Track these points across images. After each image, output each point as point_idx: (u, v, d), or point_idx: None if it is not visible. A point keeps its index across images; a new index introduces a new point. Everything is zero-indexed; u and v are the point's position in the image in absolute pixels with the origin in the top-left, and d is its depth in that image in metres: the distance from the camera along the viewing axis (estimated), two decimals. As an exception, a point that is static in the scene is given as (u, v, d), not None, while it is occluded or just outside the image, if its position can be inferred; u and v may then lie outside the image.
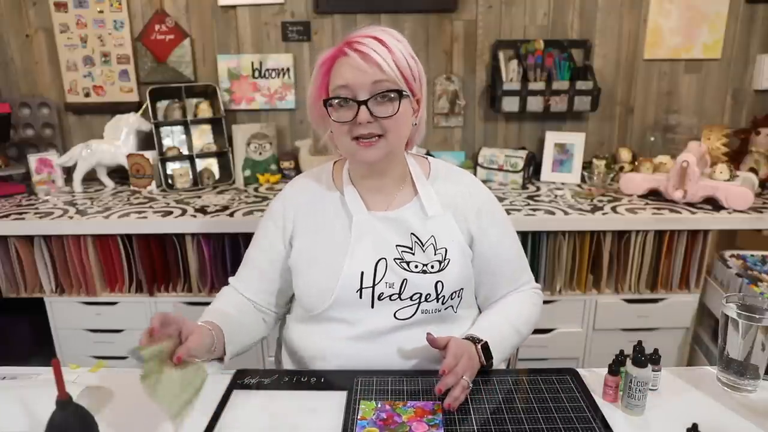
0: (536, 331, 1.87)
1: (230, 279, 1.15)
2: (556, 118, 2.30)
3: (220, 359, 0.98)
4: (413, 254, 1.02)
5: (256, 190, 2.16)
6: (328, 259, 1.03)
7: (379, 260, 1.01)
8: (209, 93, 2.29)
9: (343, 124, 0.95)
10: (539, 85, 2.13)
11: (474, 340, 0.98)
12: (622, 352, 0.93)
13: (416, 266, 1.01)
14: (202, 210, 1.87)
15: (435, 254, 1.02)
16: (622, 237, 1.82)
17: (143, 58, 2.27)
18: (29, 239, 1.84)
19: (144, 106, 2.20)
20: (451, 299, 1.03)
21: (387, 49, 0.93)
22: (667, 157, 2.07)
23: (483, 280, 1.09)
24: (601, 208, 1.85)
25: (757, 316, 0.90)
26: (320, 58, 0.98)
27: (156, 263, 1.86)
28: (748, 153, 2.14)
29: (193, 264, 1.84)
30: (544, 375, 0.99)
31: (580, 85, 2.12)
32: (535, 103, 2.15)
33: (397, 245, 1.02)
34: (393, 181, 1.06)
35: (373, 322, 1.01)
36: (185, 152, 2.25)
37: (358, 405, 0.90)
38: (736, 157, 2.15)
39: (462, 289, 1.04)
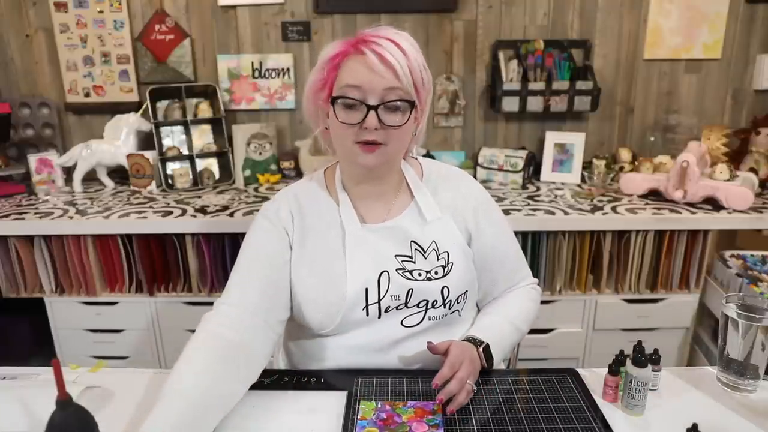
0: (536, 331, 1.88)
1: (218, 302, 0.94)
2: (556, 118, 2.31)
3: None
4: (414, 262, 1.00)
5: (256, 190, 2.16)
6: (328, 277, 0.98)
7: (382, 273, 0.98)
8: (209, 93, 2.29)
9: (349, 126, 0.91)
10: (539, 85, 2.13)
11: (475, 341, 0.98)
12: (622, 352, 0.93)
13: (420, 274, 0.99)
14: (202, 210, 1.87)
15: (438, 260, 1.00)
16: (622, 237, 1.82)
17: (143, 58, 2.27)
18: (29, 239, 1.84)
19: (144, 106, 2.20)
20: (457, 303, 1.02)
21: (404, 54, 0.89)
22: (667, 157, 2.07)
23: (481, 277, 1.08)
24: (601, 208, 1.85)
25: (757, 316, 0.90)
26: (329, 51, 0.93)
27: (156, 263, 1.86)
28: (748, 153, 2.14)
29: (193, 264, 1.84)
30: (544, 375, 0.99)
31: (580, 85, 2.12)
32: (535, 103, 2.15)
33: (396, 255, 1.00)
34: (389, 188, 1.04)
35: (380, 333, 1.00)
36: (185, 152, 2.25)
37: (358, 405, 0.90)
38: (736, 157, 2.15)
39: (467, 291, 1.03)
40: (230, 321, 0.91)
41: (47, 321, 1.91)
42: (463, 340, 0.98)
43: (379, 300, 0.98)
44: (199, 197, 2.05)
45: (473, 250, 1.05)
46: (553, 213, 1.80)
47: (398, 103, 0.90)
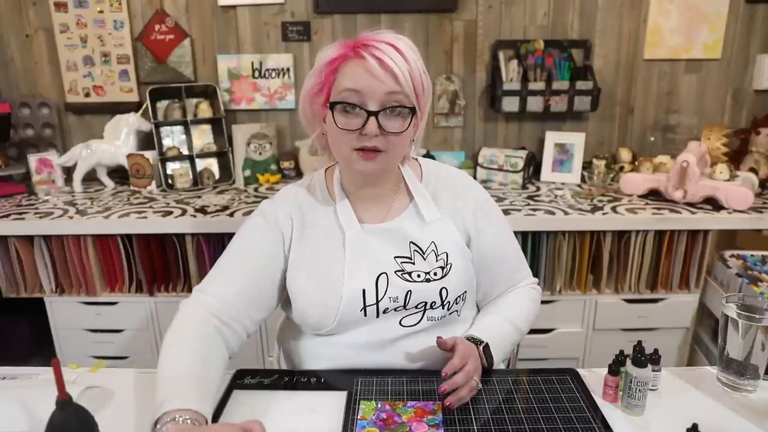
0: (536, 331, 1.88)
1: (196, 289, 0.96)
2: (556, 118, 2.31)
3: None
4: (413, 264, 0.99)
5: (256, 190, 2.16)
6: (326, 278, 0.98)
7: (380, 275, 0.97)
8: (209, 93, 2.29)
9: (348, 132, 0.89)
10: (539, 85, 2.13)
11: (475, 341, 0.98)
12: (622, 352, 0.93)
13: (418, 275, 0.99)
14: (202, 210, 1.87)
15: (437, 261, 1.00)
16: (622, 237, 1.82)
17: (143, 58, 2.27)
18: (29, 239, 1.84)
19: (144, 106, 2.21)
20: (456, 304, 1.02)
21: (404, 59, 0.88)
22: (667, 157, 2.07)
23: (481, 277, 1.08)
24: (601, 208, 1.85)
25: (757, 316, 0.90)
26: (327, 55, 0.91)
27: (156, 263, 1.86)
28: (748, 153, 2.14)
29: (193, 264, 1.84)
30: (544, 375, 0.99)
31: (580, 85, 2.12)
32: (535, 103, 2.15)
33: (395, 257, 0.99)
34: (388, 190, 1.03)
35: (378, 332, 1.00)
36: (185, 152, 2.25)
37: (358, 405, 0.90)
38: (736, 157, 2.15)
39: (465, 292, 1.03)
40: (203, 313, 0.92)
41: (47, 321, 1.91)
42: (464, 339, 0.98)
43: (378, 302, 0.98)
44: (199, 197, 2.05)
45: (473, 250, 1.05)
46: (553, 213, 1.80)
47: (399, 108, 0.89)
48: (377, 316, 0.99)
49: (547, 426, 0.85)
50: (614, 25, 2.22)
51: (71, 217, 1.81)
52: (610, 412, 0.89)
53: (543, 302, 1.16)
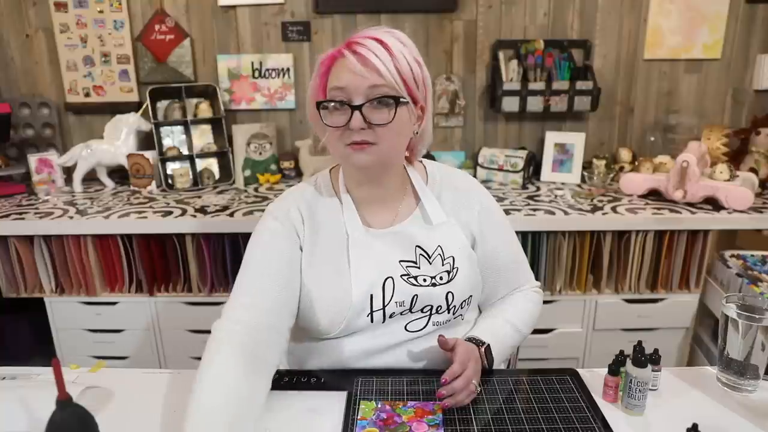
0: (536, 331, 1.88)
1: (225, 312, 0.90)
2: (556, 118, 2.31)
3: None
4: (419, 268, 0.99)
5: (256, 190, 2.16)
6: (334, 282, 0.97)
7: (386, 279, 0.97)
8: (209, 93, 2.29)
9: (337, 129, 0.90)
10: (539, 85, 2.13)
11: (476, 342, 0.98)
12: (622, 352, 0.93)
13: (424, 280, 0.98)
14: (202, 210, 1.87)
15: (443, 265, 0.99)
16: (622, 237, 1.82)
17: (143, 58, 2.27)
18: (29, 239, 1.84)
19: (144, 106, 2.21)
20: (461, 308, 1.01)
21: (388, 52, 0.88)
22: (667, 157, 2.07)
23: (484, 281, 1.08)
24: (601, 208, 1.85)
25: (757, 316, 0.90)
26: (320, 58, 0.94)
27: (156, 263, 1.86)
28: (748, 153, 2.14)
29: (193, 264, 1.84)
30: (544, 375, 0.99)
31: (580, 85, 2.12)
32: (535, 103, 2.15)
33: (400, 261, 0.99)
34: (393, 192, 1.02)
35: (383, 337, 0.99)
36: (185, 152, 2.25)
37: (358, 405, 0.90)
38: (736, 157, 2.15)
39: (471, 296, 1.03)
40: (243, 326, 0.88)
41: (47, 321, 1.91)
42: (465, 340, 0.98)
43: (384, 306, 0.97)
44: (199, 197, 2.05)
45: (477, 254, 1.05)
46: (553, 213, 1.80)
47: (383, 99, 0.88)
48: (383, 322, 0.98)
49: (547, 426, 0.85)
50: (614, 25, 2.22)
51: (71, 217, 1.81)
52: (610, 412, 0.89)
53: (543, 302, 1.16)
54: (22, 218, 1.81)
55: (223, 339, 0.87)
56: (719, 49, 2.22)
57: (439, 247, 1.00)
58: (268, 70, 2.28)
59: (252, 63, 2.27)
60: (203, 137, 2.30)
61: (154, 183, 2.15)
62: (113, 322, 1.90)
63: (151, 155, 2.15)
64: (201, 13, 2.23)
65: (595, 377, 0.98)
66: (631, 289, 1.85)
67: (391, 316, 0.98)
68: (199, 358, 0.85)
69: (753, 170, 2.07)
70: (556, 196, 2.02)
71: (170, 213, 1.84)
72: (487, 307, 1.12)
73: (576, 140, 2.21)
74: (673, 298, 1.87)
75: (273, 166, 2.27)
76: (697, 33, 2.21)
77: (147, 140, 2.23)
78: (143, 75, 2.29)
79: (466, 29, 2.24)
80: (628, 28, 2.22)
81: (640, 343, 0.89)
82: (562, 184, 2.20)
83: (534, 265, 1.83)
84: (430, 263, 0.99)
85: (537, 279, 1.17)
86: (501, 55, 2.20)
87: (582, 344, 1.93)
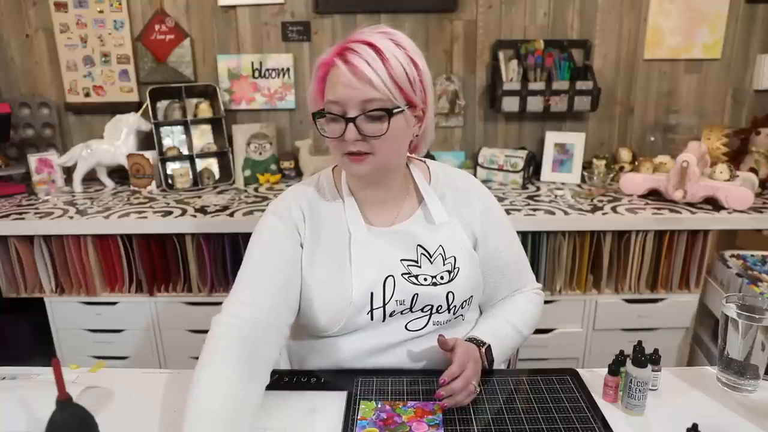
0: (536, 331, 1.86)
1: (225, 307, 0.91)
2: (556, 118, 2.31)
3: None
4: (420, 267, 0.99)
5: (256, 190, 2.16)
6: (335, 279, 0.97)
7: (387, 278, 0.97)
8: (209, 93, 2.29)
9: (334, 139, 0.90)
10: (539, 85, 2.13)
11: (477, 342, 0.98)
12: (622, 352, 0.93)
13: (425, 279, 0.98)
14: (202, 210, 1.87)
15: (444, 264, 0.99)
16: (622, 237, 1.82)
17: (143, 58, 2.27)
18: (29, 239, 1.84)
19: (144, 106, 2.21)
20: (462, 308, 1.01)
21: (381, 58, 0.86)
22: (667, 157, 2.07)
23: (485, 282, 1.08)
24: (601, 208, 1.85)
25: (757, 316, 0.90)
26: (318, 60, 0.92)
27: (156, 263, 1.86)
28: (748, 153, 2.14)
29: (193, 264, 1.84)
30: (544, 375, 0.99)
31: (580, 85, 2.12)
32: (535, 103, 2.15)
33: (402, 260, 0.99)
34: (395, 193, 1.02)
35: (383, 336, 0.99)
36: (185, 152, 2.25)
37: (358, 405, 0.90)
38: (736, 157, 2.15)
39: (472, 296, 1.03)
40: (242, 321, 0.88)
41: (47, 321, 1.91)
42: (465, 340, 0.98)
43: (384, 304, 0.97)
44: (199, 197, 2.05)
45: (479, 254, 1.05)
46: (553, 213, 1.80)
47: (376, 113, 0.87)
48: (383, 320, 0.98)
49: (547, 426, 0.85)
50: (614, 25, 2.22)
51: (71, 217, 1.81)
52: (610, 412, 0.89)
53: (543, 302, 1.16)
54: (22, 218, 1.81)
55: (222, 335, 0.86)
56: (719, 49, 2.22)
57: (440, 247, 1.00)
58: (268, 70, 2.28)
59: (252, 63, 2.27)
60: (203, 137, 2.30)
61: (154, 183, 2.15)
62: (113, 322, 1.90)
63: (151, 155, 2.15)
64: (201, 13, 2.23)
65: (595, 377, 0.98)
66: (631, 289, 1.85)
67: (391, 315, 0.98)
68: (198, 358, 0.84)
69: (753, 170, 2.07)
70: (556, 196, 2.02)
71: (170, 213, 1.84)
72: (488, 307, 1.12)
73: (576, 140, 2.21)
74: (673, 298, 1.87)
75: (273, 166, 2.27)
76: (697, 33, 2.21)
77: (147, 140, 2.23)
78: (143, 75, 2.29)
79: (466, 29, 2.24)
80: (628, 27, 2.22)
81: (640, 343, 0.89)
82: (562, 184, 2.20)
83: (534, 265, 1.82)
84: (431, 263, 0.99)
85: (537, 279, 1.17)
86: (501, 55, 2.20)
87: (582, 344, 1.93)
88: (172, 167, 2.21)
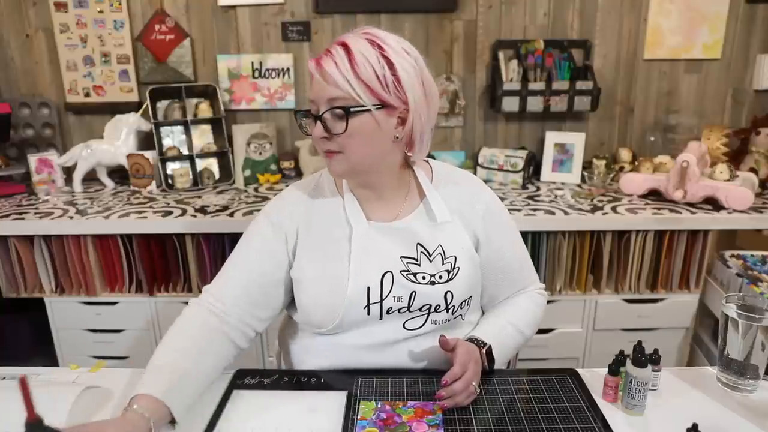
0: (536, 331, 1.88)
1: (205, 288, 1.01)
2: (556, 118, 2.31)
3: (171, 421, 0.84)
4: (419, 265, 0.99)
5: (256, 190, 2.16)
6: (331, 274, 0.98)
7: (385, 273, 0.97)
8: (209, 93, 2.29)
9: (314, 138, 0.94)
10: (539, 85, 2.13)
11: (478, 343, 0.98)
12: (622, 352, 0.93)
13: (423, 277, 0.98)
14: (202, 210, 1.87)
15: (443, 264, 0.99)
16: (622, 237, 1.82)
17: (143, 58, 2.27)
18: (29, 239, 1.84)
19: (144, 106, 2.21)
20: (461, 308, 1.01)
21: (350, 59, 0.87)
22: (667, 157, 2.07)
23: (488, 282, 1.08)
24: (601, 208, 1.85)
25: (757, 316, 0.90)
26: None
27: (156, 263, 1.86)
28: (748, 153, 2.14)
29: (193, 264, 1.84)
30: (544, 375, 0.99)
31: (580, 85, 2.12)
32: (535, 103, 2.15)
33: (401, 257, 0.99)
34: (390, 192, 1.02)
35: (381, 334, 0.99)
36: (185, 152, 2.25)
37: (358, 405, 0.90)
38: (736, 157, 2.15)
39: (471, 297, 1.03)
40: (207, 308, 0.97)
41: (47, 321, 1.91)
42: (466, 340, 0.98)
43: (381, 300, 0.97)
44: (199, 197, 2.05)
45: (481, 254, 1.04)
46: (553, 213, 1.80)
47: (336, 111, 0.89)
48: (381, 318, 0.98)
49: (547, 426, 0.85)
50: (614, 25, 2.22)
51: (71, 217, 1.81)
52: (610, 412, 0.89)
53: (546, 303, 1.16)
54: (22, 218, 1.81)
55: (187, 314, 0.97)
56: (719, 49, 2.22)
57: (440, 246, 1.00)
58: (268, 70, 2.28)
59: (252, 63, 2.27)
60: (203, 137, 2.30)
61: (154, 183, 2.15)
62: (113, 322, 1.90)
63: (151, 155, 2.15)
64: (201, 13, 2.23)
65: (595, 377, 0.98)
66: (631, 289, 1.85)
67: (388, 312, 0.98)
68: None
69: (753, 170, 2.07)
70: (556, 196, 2.02)
71: (170, 213, 1.84)
72: (491, 308, 1.12)
73: (576, 140, 2.21)
74: (673, 298, 1.87)
75: (273, 166, 2.27)
76: (697, 33, 2.21)
77: (147, 140, 2.23)
78: (143, 75, 2.29)
79: (466, 29, 2.24)
80: (628, 27, 2.22)
81: (640, 343, 0.89)
82: (562, 184, 2.20)
83: (534, 265, 1.82)
84: (431, 261, 0.99)
85: (544, 285, 1.17)
86: (501, 55, 2.20)
87: (582, 344, 1.93)
88: (172, 167, 2.21)
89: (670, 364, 1.91)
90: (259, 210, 1.83)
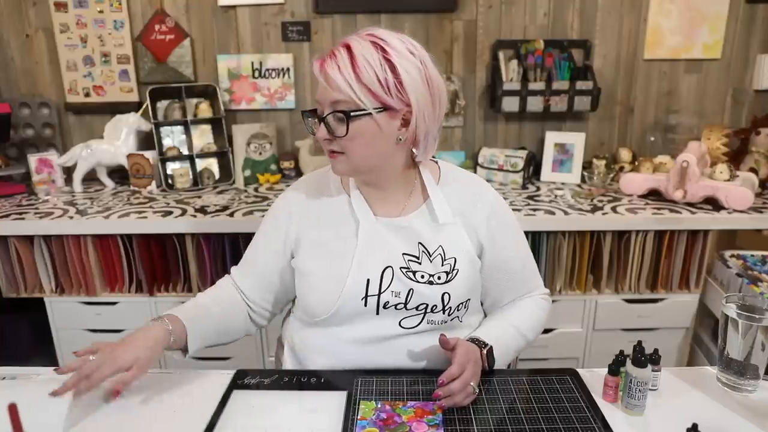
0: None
1: (232, 269, 1.14)
2: (556, 118, 2.31)
3: (184, 350, 0.99)
4: (419, 264, 0.99)
5: (256, 190, 2.16)
6: (333, 265, 1.01)
7: (386, 268, 0.99)
8: (209, 93, 2.29)
9: (319, 138, 0.96)
10: (539, 85, 2.13)
11: (479, 343, 0.98)
12: (622, 352, 0.93)
13: (422, 276, 0.99)
14: (202, 210, 1.87)
15: (442, 265, 1.00)
16: (622, 237, 1.82)
17: (143, 58, 2.27)
18: (29, 239, 1.84)
19: (144, 106, 2.20)
20: (458, 310, 1.02)
21: (352, 63, 0.87)
22: (667, 157, 2.07)
23: (491, 286, 1.08)
24: (601, 208, 1.85)
25: (757, 316, 0.90)
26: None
27: (156, 263, 1.86)
28: (748, 153, 2.14)
29: (193, 264, 1.84)
30: (544, 375, 0.99)
31: (580, 85, 2.12)
32: (535, 103, 2.15)
33: (403, 253, 1.00)
34: (395, 192, 1.03)
35: (378, 329, 1.00)
36: (185, 152, 2.25)
37: (358, 405, 0.90)
38: (736, 157, 2.15)
39: (469, 300, 1.03)
40: (232, 285, 1.12)
41: (47, 321, 1.91)
42: (468, 340, 0.98)
43: (380, 293, 0.98)
44: (199, 197, 2.05)
45: (486, 258, 1.05)
46: (553, 213, 1.80)
47: (338, 114, 0.90)
48: (377, 312, 0.99)
49: (547, 426, 0.85)
50: (614, 25, 2.22)
51: (71, 217, 1.81)
52: (610, 412, 0.89)
53: (550, 308, 1.16)
54: (22, 218, 1.81)
55: (218, 285, 1.13)
56: (719, 49, 2.22)
57: (440, 247, 1.00)
58: (268, 70, 2.28)
59: (252, 63, 2.27)
60: (203, 137, 2.30)
61: (154, 183, 2.15)
62: (113, 322, 1.90)
63: (151, 155, 2.15)
64: (201, 13, 2.23)
65: (595, 377, 0.98)
66: (631, 289, 1.85)
67: (385, 307, 0.99)
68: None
69: (753, 170, 2.07)
70: (556, 196, 2.02)
71: (170, 213, 1.84)
72: (495, 311, 1.12)
73: (576, 140, 2.21)
74: (673, 298, 1.87)
75: (273, 166, 2.27)
76: (697, 33, 2.21)
77: (147, 140, 2.23)
78: (143, 75, 2.29)
79: (466, 29, 2.24)
80: (628, 27, 2.22)
81: (640, 343, 0.89)
82: (562, 184, 2.20)
83: (534, 265, 1.83)
84: (431, 261, 1.00)
85: (548, 290, 1.16)
86: (501, 55, 2.20)
87: (582, 344, 1.93)
88: (172, 167, 2.21)
89: (670, 364, 1.91)
90: (259, 210, 1.84)
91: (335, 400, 0.92)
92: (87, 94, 2.30)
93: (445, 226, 1.01)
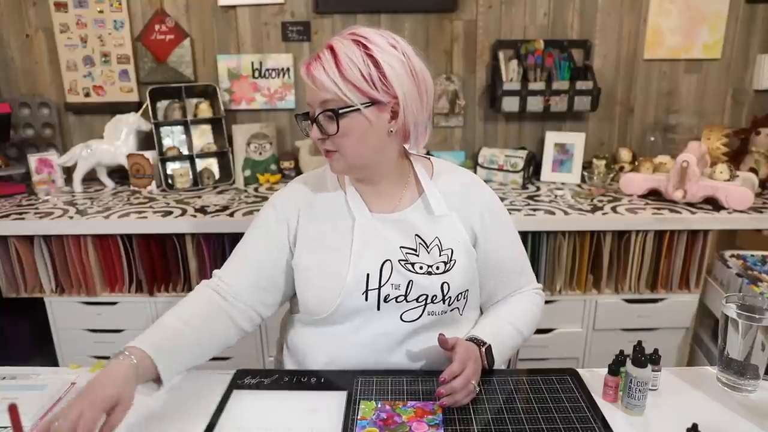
0: (536, 331, 1.85)
1: (215, 272, 1.06)
2: (556, 118, 2.31)
3: (156, 380, 0.89)
4: (417, 255, 1.01)
5: (256, 190, 2.16)
6: (332, 261, 1.01)
7: (384, 262, 1.00)
8: (209, 93, 2.29)
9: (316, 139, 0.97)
10: (539, 85, 2.13)
11: (477, 342, 0.98)
12: (622, 352, 0.93)
13: (421, 267, 1.00)
14: (202, 210, 1.87)
15: (440, 255, 1.01)
16: (622, 237, 1.82)
17: (143, 58, 2.27)
18: (29, 239, 1.84)
19: (144, 106, 2.20)
20: (457, 300, 1.02)
21: (336, 62, 0.89)
22: (667, 157, 2.07)
23: (485, 281, 1.09)
24: (601, 208, 1.85)
25: (757, 316, 0.90)
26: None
27: (156, 263, 1.86)
28: (748, 153, 2.14)
29: (193, 264, 1.84)
30: (544, 375, 1.00)
31: (580, 85, 2.12)
32: (535, 103, 2.15)
33: (401, 247, 1.01)
34: (391, 185, 1.05)
35: (379, 326, 1.00)
36: (185, 152, 2.25)
37: (358, 405, 0.90)
38: (736, 157, 2.15)
39: (467, 290, 1.04)
40: (218, 293, 1.03)
41: (47, 321, 1.91)
42: (466, 340, 0.98)
43: (380, 287, 0.99)
44: (199, 197, 2.05)
45: (478, 252, 1.06)
46: (553, 213, 1.80)
47: (327, 113, 0.92)
48: (378, 308, 1.00)
49: (547, 426, 0.85)
50: (614, 25, 2.22)
51: (71, 217, 1.81)
52: (610, 412, 0.89)
53: (544, 303, 1.16)
54: (22, 218, 1.81)
55: (198, 289, 1.04)
56: (719, 49, 2.22)
57: (437, 238, 1.02)
58: (268, 70, 2.28)
59: (252, 63, 2.27)
60: (203, 137, 2.30)
61: (154, 183, 2.15)
62: (113, 322, 1.90)
63: (151, 155, 2.15)
64: (201, 13, 2.23)
65: (595, 377, 0.98)
66: (631, 289, 1.85)
67: (386, 300, 0.99)
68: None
69: (753, 170, 2.07)
70: (556, 196, 2.02)
71: (170, 213, 1.84)
72: (488, 307, 1.13)
73: (576, 140, 2.21)
74: (673, 298, 1.87)
75: (273, 166, 2.27)
76: (697, 33, 2.21)
77: (147, 140, 2.23)
78: (143, 75, 2.29)
79: (466, 29, 2.24)
80: (628, 28, 2.22)
81: (640, 343, 0.89)
82: (562, 184, 2.20)
83: (534, 265, 1.81)
84: (428, 252, 1.01)
85: (537, 279, 1.17)
86: (501, 55, 2.20)
87: (582, 344, 1.93)
88: (172, 167, 2.21)
89: (670, 364, 1.91)
90: (259, 210, 1.84)
91: (335, 400, 0.92)
92: (87, 94, 2.30)
93: (441, 218, 1.03)
